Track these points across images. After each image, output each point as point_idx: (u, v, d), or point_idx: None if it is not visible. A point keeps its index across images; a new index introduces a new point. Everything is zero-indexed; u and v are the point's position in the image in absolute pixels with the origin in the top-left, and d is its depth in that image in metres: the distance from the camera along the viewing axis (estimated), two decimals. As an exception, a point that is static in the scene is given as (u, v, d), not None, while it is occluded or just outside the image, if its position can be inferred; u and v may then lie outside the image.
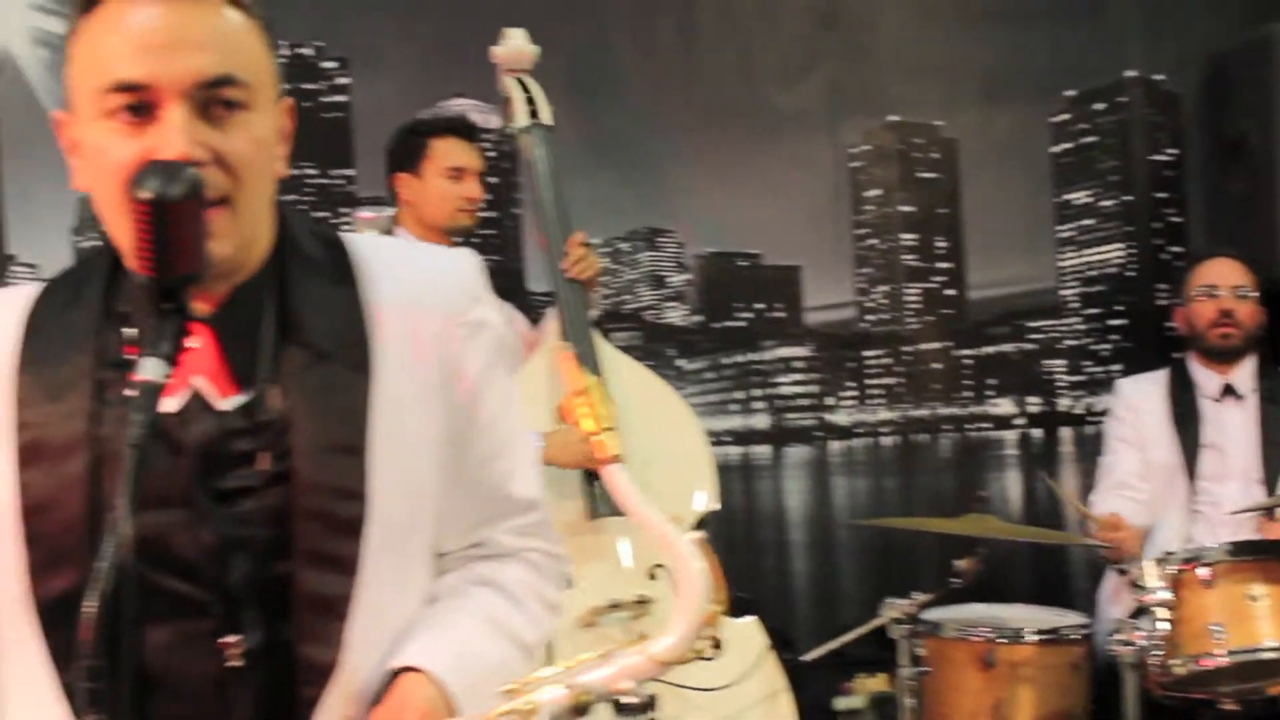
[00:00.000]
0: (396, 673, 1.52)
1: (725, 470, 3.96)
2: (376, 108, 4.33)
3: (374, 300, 1.58)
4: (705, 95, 4.72)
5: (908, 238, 4.95)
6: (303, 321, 1.57)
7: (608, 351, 3.70)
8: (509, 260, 4.57)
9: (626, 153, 4.61)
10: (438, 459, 1.59)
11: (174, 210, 1.33)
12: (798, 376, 4.92)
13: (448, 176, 3.66)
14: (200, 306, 1.52)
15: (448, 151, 3.67)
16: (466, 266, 1.66)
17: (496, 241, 4.57)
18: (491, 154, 4.52)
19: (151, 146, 1.41)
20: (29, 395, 1.54)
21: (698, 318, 4.83)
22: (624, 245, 4.74)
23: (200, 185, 1.35)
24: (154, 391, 1.33)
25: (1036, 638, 3.72)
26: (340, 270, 1.61)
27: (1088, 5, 4.94)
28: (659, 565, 3.54)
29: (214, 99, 1.43)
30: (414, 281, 1.62)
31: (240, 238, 1.50)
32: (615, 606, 3.46)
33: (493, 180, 4.53)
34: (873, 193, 4.94)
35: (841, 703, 4.51)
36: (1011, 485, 5.08)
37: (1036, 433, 5.06)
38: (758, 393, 4.78)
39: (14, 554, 1.51)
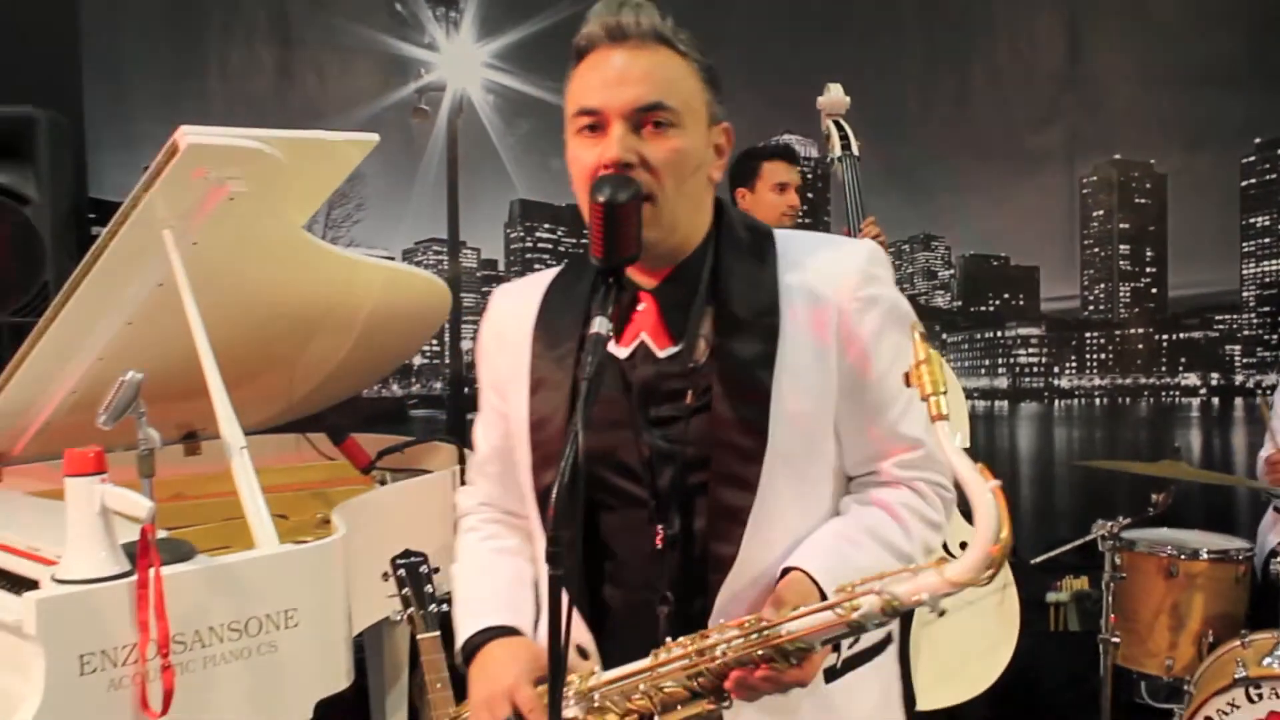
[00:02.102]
0: (786, 571, 1.73)
1: (974, 419, 4.36)
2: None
3: (786, 280, 1.78)
4: (972, 136, 5.32)
5: (1123, 248, 5.41)
6: (728, 293, 1.77)
7: None
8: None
9: (911, 178, 5.23)
10: (833, 407, 1.78)
11: (620, 210, 1.61)
12: (1032, 350, 5.41)
13: (774, 190, 4.29)
14: (647, 280, 1.81)
15: (775, 171, 4.29)
16: (863, 255, 1.82)
17: (811, 242, 5.12)
18: (809, 176, 5.37)
19: (600, 153, 1.70)
20: (539, 345, 1.88)
21: (958, 303, 5.42)
22: (905, 247, 5.34)
23: (640, 193, 1.63)
24: (600, 341, 1.56)
25: (1209, 556, 4.20)
26: (762, 255, 1.81)
27: (1275, 73, 5.22)
28: None
29: (646, 120, 1.69)
30: (818, 267, 1.80)
31: (663, 226, 1.73)
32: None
33: (810, 195, 5.46)
34: (1098, 213, 5.47)
35: (1052, 596, 5.06)
36: (1195, 440, 5.42)
37: (1216, 400, 5.42)
38: (1001, 361, 5.23)
39: (525, 455, 1.86)
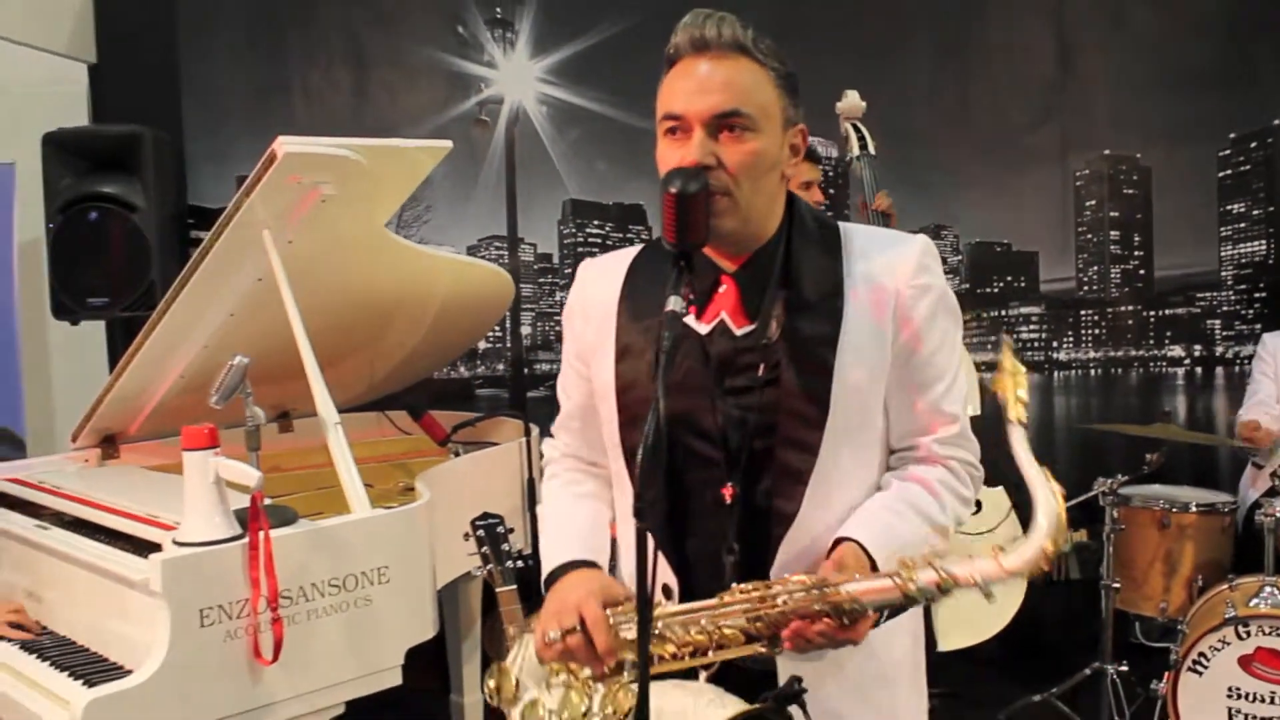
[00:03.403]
0: (838, 541, 1.75)
1: (983, 390, 4.18)
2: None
3: (850, 268, 1.80)
4: (975, 136, 5.33)
5: (1114, 234, 5.38)
6: (798, 278, 1.78)
7: None
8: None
9: (921, 173, 5.23)
10: (886, 382, 1.80)
11: (688, 200, 1.61)
12: (1033, 327, 5.43)
13: (800, 189, 4.01)
14: (728, 264, 1.81)
15: (799, 171, 3.93)
16: (918, 248, 1.82)
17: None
18: (830, 174, 5.37)
19: (682, 155, 1.70)
20: (624, 317, 1.88)
21: (965, 285, 5.39)
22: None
23: (707, 186, 1.63)
24: (674, 318, 1.56)
25: (1198, 509, 4.21)
26: (830, 245, 1.82)
27: (1247, 75, 5.26)
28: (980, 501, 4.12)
29: (724, 125, 1.70)
30: (879, 257, 1.81)
31: (739, 218, 1.74)
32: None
33: (831, 191, 5.43)
34: (1090, 203, 5.39)
35: None
36: (1181, 405, 5.43)
37: (1199, 370, 5.44)
38: (1005, 337, 5.02)
39: (614, 417, 1.87)
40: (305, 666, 2.76)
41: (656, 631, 1.72)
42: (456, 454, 4.11)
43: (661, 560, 1.82)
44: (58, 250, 4.70)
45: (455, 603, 4.15)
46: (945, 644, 4.23)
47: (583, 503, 2.03)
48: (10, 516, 3.31)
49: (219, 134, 5.33)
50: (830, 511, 1.77)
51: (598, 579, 1.84)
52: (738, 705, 1.74)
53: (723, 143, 1.71)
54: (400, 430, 4.40)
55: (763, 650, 1.68)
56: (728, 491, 1.78)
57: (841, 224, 1.88)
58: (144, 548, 2.84)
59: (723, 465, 1.78)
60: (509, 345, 5.21)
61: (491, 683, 1.94)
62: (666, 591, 1.84)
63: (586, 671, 1.78)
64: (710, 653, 1.70)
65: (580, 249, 5.14)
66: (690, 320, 1.80)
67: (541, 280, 5.22)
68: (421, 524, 3.04)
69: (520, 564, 2.78)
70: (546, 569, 1.93)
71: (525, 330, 5.27)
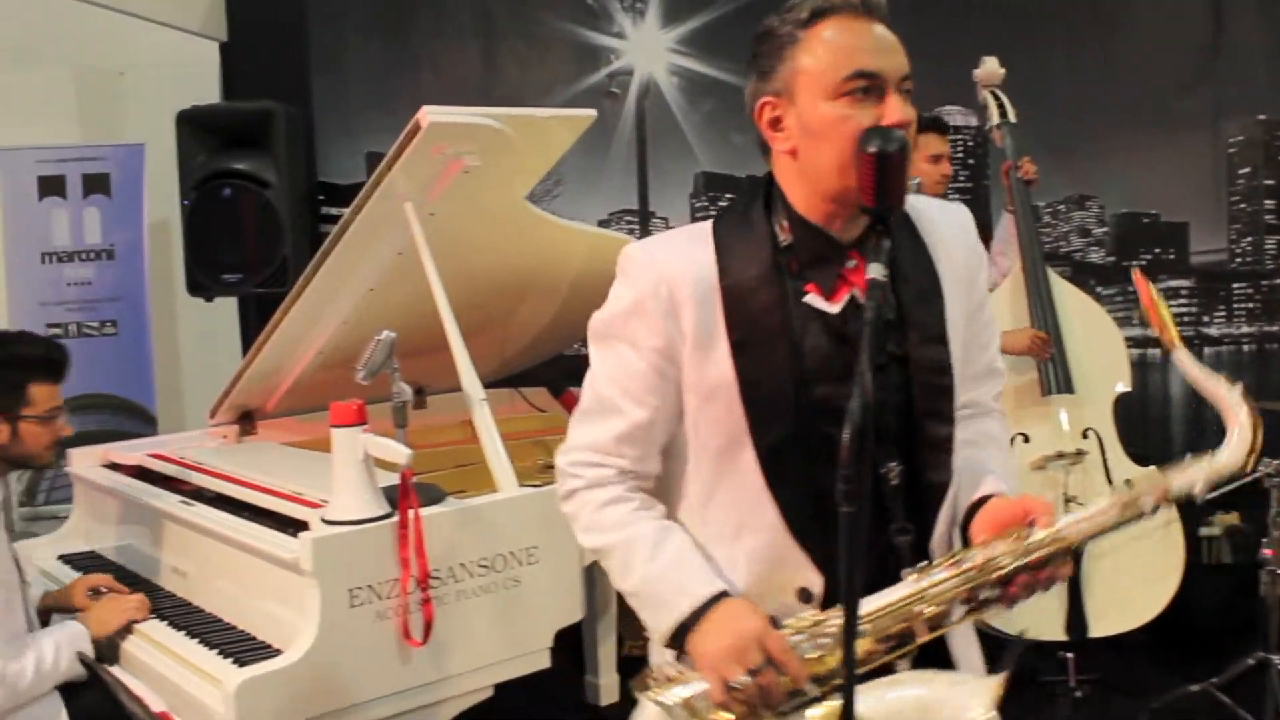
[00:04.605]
0: (980, 500, 1.75)
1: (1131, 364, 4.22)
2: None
3: (931, 242, 1.78)
4: (1121, 101, 5.09)
5: (1269, 203, 5.14)
6: (898, 249, 1.72)
7: (1054, 279, 4.14)
8: (980, 216, 4.73)
9: (1064, 141, 5.03)
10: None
11: (893, 160, 1.55)
12: (1183, 300, 5.23)
13: (929, 161, 4.15)
14: (841, 237, 1.73)
15: (928, 143, 4.13)
16: (967, 214, 1.86)
17: (971, 204, 4.44)
18: (970, 144, 5.25)
19: (879, 115, 1.61)
20: (732, 301, 1.70)
21: (1111, 258, 5.20)
22: (1061, 206, 5.13)
23: (908, 146, 1.57)
24: (879, 286, 1.49)
25: None
26: (909, 220, 1.79)
27: None
28: (1089, 428, 4.07)
29: (902, 88, 1.64)
30: (941, 222, 1.80)
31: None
32: (1059, 456, 3.98)
33: (970, 162, 5.29)
34: (1243, 170, 5.13)
35: (1204, 531, 4.94)
36: None
37: None
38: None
39: (739, 415, 1.69)
40: (454, 648, 2.74)
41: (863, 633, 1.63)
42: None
43: (802, 560, 1.70)
44: (192, 227, 4.74)
45: (593, 584, 4.05)
46: (1096, 630, 4.08)
47: (678, 531, 1.79)
48: (155, 492, 3.34)
49: (347, 109, 5.32)
50: (957, 477, 1.77)
51: (754, 606, 1.69)
52: (983, 678, 1.68)
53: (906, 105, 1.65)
54: (534, 407, 4.35)
55: (978, 615, 1.65)
56: (891, 471, 1.70)
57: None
58: (289, 525, 2.84)
59: (875, 447, 1.63)
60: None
61: None
62: (805, 595, 1.72)
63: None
64: (912, 639, 1.64)
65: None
66: (814, 300, 1.70)
67: (673, 255, 5.08)
68: (570, 503, 2.95)
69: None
70: (684, 607, 1.69)
71: (654, 306, 5.11)
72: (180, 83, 5.28)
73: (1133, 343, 4.67)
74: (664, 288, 1.70)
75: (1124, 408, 4.19)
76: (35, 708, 2.70)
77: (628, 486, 1.82)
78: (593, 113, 3.21)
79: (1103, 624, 4.09)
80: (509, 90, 5.15)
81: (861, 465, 1.40)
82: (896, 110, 1.61)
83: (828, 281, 1.70)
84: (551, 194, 5.09)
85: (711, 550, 1.76)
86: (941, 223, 1.80)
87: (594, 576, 4.00)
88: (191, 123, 4.75)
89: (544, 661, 2.90)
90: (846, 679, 1.44)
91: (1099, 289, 5.09)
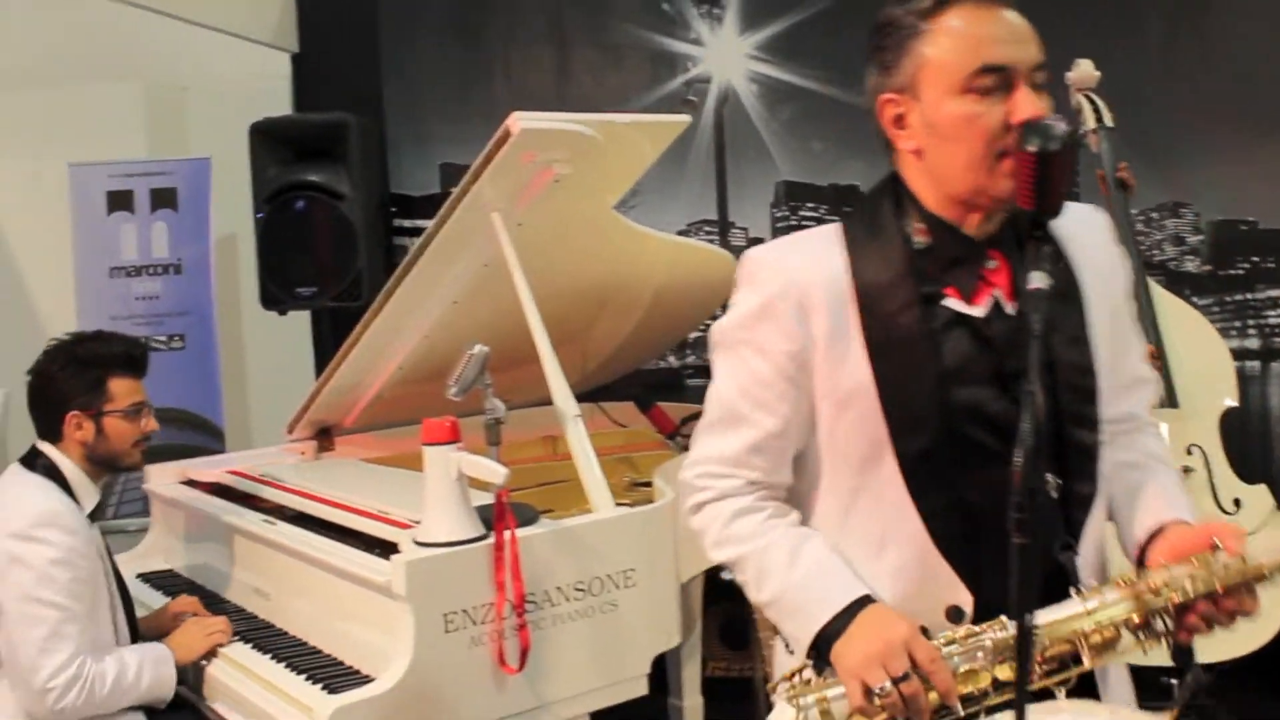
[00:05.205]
0: (1161, 528, 1.69)
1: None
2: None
3: (1068, 244, 1.72)
4: (1216, 102, 4.92)
5: None
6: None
7: (1156, 289, 4.01)
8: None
9: (1158, 147, 4.87)
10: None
11: (1055, 159, 1.46)
12: None
13: None
14: (977, 236, 1.67)
15: None
16: (1103, 214, 1.81)
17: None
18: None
19: (1010, 111, 1.54)
20: (866, 303, 1.66)
21: (1207, 267, 5.06)
22: (1154, 214, 5.02)
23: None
24: (1043, 296, 1.42)
25: None
26: None
27: None
28: (1194, 444, 3.95)
29: (1034, 80, 1.56)
30: (1086, 231, 1.75)
31: None
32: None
33: None
34: None
35: None
36: None
37: None
38: (1251, 322, 4.93)
39: (878, 422, 1.64)
40: (549, 675, 2.64)
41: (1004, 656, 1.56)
42: (685, 449, 3.90)
43: (949, 576, 1.64)
44: (265, 240, 4.69)
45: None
46: (1205, 656, 3.85)
47: (815, 537, 1.74)
48: (236, 510, 3.28)
49: (420, 120, 5.24)
50: (1103, 490, 1.71)
51: (901, 613, 1.63)
52: (1149, 716, 1.64)
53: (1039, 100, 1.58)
54: (614, 423, 4.24)
55: (1152, 645, 1.58)
56: (1049, 484, 1.64)
57: None
58: (375, 545, 2.76)
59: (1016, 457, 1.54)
60: (721, 334, 4.97)
61: None
62: (956, 613, 1.65)
63: None
64: (1089, 659, 1.56)
65: (794, 232, 4.88)
66: (954, 303, 1.65)
67: (754, 267, 4.96)
68: (668, 523, 2.88)
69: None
70: (822, 617, 1.64)
71: (737, 319, 5.00)
72: (248, 96, 5.26)
73: (1231, 354, 4.36)
74: (794, 290, 1.67)
75: (1236, 424, 4.08)
76: None
77: (758, 496, 1.78)
78: (686, 119, 3.12)
79: (1210, 651, 3.84)
80: (583, 99, 5.06)
81: (1034, 491, 1.34)
82: (1028, 105, 1.53)
83: (968, 284, 1.66)
84: (629, 204, 4.91)
85: (855, 568, 1.70)
86: (1078, 224, 1.73)
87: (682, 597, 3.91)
88: (264, 134, 4.71)
89: (641, 689, 2.80)
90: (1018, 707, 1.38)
91: (1194, 299, 4.90)
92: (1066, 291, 1.68)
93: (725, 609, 4.34)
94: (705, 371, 4.66)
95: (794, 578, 1.69)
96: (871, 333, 1.64)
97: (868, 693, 1.53)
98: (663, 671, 4.10)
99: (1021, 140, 1.48)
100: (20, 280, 5.44)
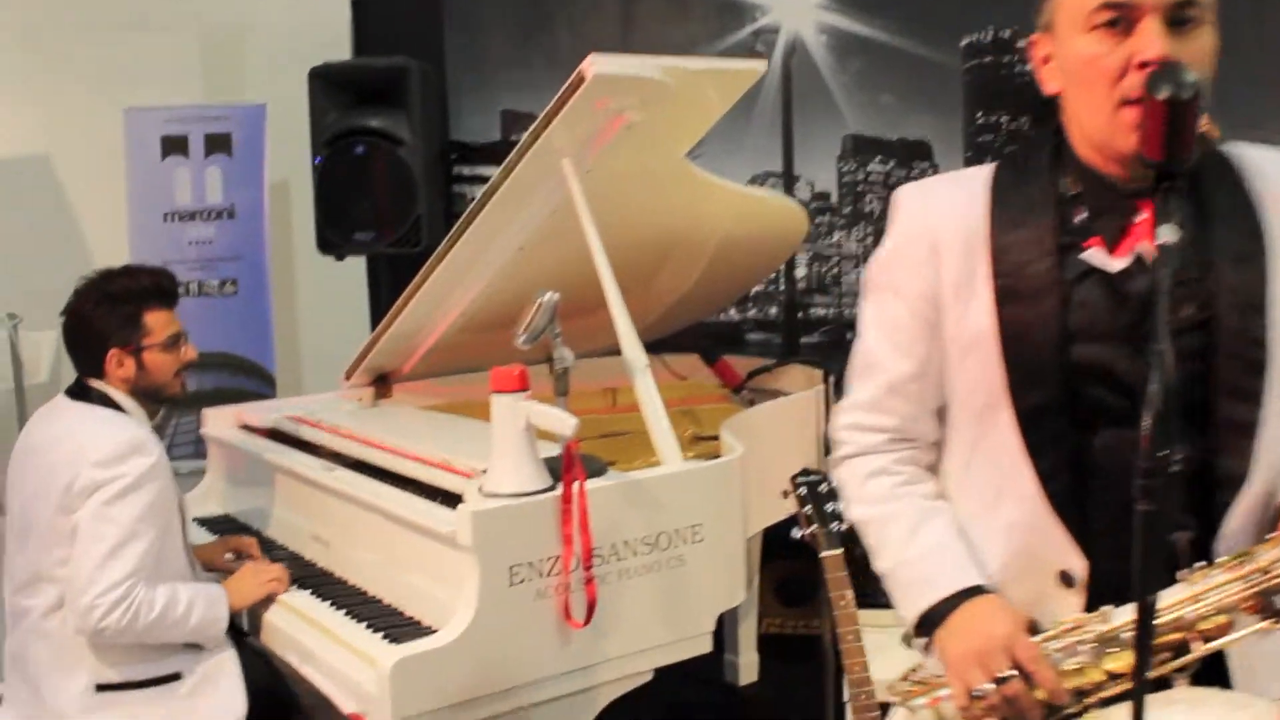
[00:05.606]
0: None
1: None
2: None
3: (1251, 186, 1.58)
4: None
5: None
6: (1206, 201, 1.56)
7: None
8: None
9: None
10: None
11: (1183, 108, 1.34)
12: None
13: None
14: (1125, 185, 1.55)
15: None
16: None
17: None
18: None
19: (1134, 51, 1.44)
20: (1002, 251, 1.60)
21: None
22: None
23: (1199, 90, 1.34)
24: (1171, 250, 1.31)
25: None
26: (1218, 161, 1.60)
27: None
28: None
29: (1178, 17, 1.44)
30: (1274, 173, 1.59)
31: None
32: None
33: None
34: None
35: None
36: None
37: None
38: None
39: (997, 371, 1.59)
40: (615, 630, 2.60)
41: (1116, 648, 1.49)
42: (752, 402, 3.87)
43: (1062, 539, 1.57)
44: (324, 185, 4.64)
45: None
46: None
47: (942, 513, 1.71)
48: (296, 456, 3.24)
49: (481, 67, 5.16)
50: (1274, 470, 1.54)
51: (1008, 605, 1.58)
52: (1270, 702, 1.49)
53: (1175, 37, 1.43)
54: (674, 375, 4.19)
55: (1270, 627, 1.46)
56: (1177, 456, 1.45)
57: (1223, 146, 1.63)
58: (437, 494, 2.72)
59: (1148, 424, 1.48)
60: (782, 288, 4.93)
61: None
62: (1068, 578, 1.58)
63: None
64: (1194, 647, 1.47)
65: (860, 187, 4.82)
66: (1094, 255, 1.55)
67: (819, 220, 4.91)
68: (736, 478, 2.82)
69: (844, 526, 2.43)
70: (926, 599, 1.62)
71: (800, 272, 4.98)
72: (307, 40, 5.17)
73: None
74: (928, 232, 1.64)
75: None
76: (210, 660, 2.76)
77: (898, 457, 1.75)
78: (762, 64, 3.03)
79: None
80: (648, 48, 4.83)
81: (1163, 456, 1.24)
82: (1151, 43, 1.42)
83: (1114, 235, 1.56)
84: (694, 154, 4.86)
85: (971, 524, 1.67)
86: (1275, 176, 1.58)
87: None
88: (324, 79, 4.65)
89: (706, 646, 2.75)
90: (1136, 697, 1.28)
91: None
92: (1248, 250, 1.54)
93: (783, 566, 4.31)
94: (766, 326, 4.65)
95: (908, 554, 1.68)
96: (1000, 279, 1.59)
97: (970, 694, 1.50)
98: (720, 627, 4.09)
99: (1149, 86, 1.36)
100: (75, 224, 5.43)
